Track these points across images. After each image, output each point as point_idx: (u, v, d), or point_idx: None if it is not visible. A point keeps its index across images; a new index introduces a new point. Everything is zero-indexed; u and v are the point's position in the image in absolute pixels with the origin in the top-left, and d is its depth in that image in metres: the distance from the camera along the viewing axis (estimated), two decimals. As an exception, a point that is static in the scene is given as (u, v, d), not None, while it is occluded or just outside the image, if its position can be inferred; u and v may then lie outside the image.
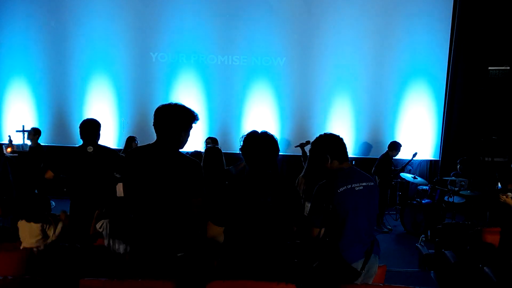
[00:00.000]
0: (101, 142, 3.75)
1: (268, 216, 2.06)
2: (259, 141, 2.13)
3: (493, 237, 3.60)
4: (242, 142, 2.17)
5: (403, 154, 6.90)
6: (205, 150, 4.06)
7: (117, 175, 3.54)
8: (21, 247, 3.23)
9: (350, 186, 2.24)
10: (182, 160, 2.20)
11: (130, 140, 6.16)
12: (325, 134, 2.40)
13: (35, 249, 3.24)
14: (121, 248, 3.23)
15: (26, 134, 6.63)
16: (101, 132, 3.66)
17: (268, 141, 2.13)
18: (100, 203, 3.42)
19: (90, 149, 3.51)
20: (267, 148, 2.12)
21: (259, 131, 2.17)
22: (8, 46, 7.23)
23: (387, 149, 6.29)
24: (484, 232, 3.68)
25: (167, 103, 2.25)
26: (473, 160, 6.66)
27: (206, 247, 3.26)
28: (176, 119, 2.21)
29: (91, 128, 3.56)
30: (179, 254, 2.20)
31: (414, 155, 6.45)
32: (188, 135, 2.29)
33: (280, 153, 2.22)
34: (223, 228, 2.10)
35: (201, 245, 3.18)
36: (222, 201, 2.09)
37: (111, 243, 3.19)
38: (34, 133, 6.02)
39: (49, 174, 3.61)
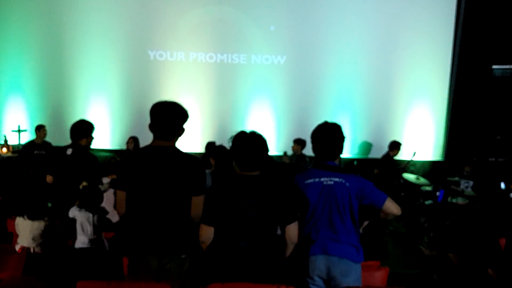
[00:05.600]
0: (98, 141, 3.70)
1: (251, 218, 2.05)
2: (246, 140, 2.10)
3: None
4: (230, 143, 2.14)
5: (405, 155, 6.86)
6: (214, 148, 4.01)
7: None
8: (19, 246, 3.23)
9: (318, 179, 2.24)
10: (183, 158, 2.19)
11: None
12: (323, 124, 2.35)
13: (32, 250, 3.23)
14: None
15: (22, 133, 6.59)
16: (90, 133, 3.55)
17: (255, 140, 2.10)
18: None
19: (69, 151, 3.45)
20: (254, 147, 2.09)
21: (248, 131, 2.14)
22: (5, 45, 7.19)
23: (387, 150, 6.25)
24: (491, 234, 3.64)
25: (162, 101, 2.23)
26: (477, 161, 6.60)
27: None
28: (177, 116, 2.20)
29: (74, 129, 3.50)
30: (183, 256, 2.18)
31: (414, 154, 6.41)
32: (184, 131, 2.29)
33: (279, 153, 2.20)
34: (212, 228, 2.11)
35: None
36: (210, 201, 2.10)
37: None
38: (44, 131, 5.98)
39: (49, 178, 3.57)
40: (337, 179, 2.23)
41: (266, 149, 2.13)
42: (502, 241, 3.57)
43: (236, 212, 2.05)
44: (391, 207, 2.26)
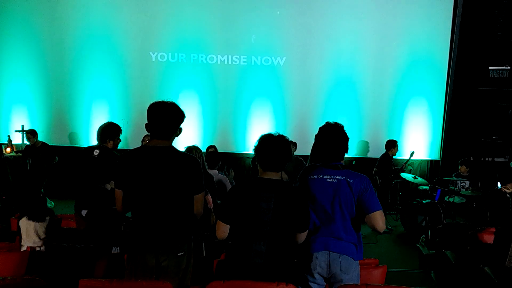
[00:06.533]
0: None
1: (268, 222, 2.07)
2: (266, 139, 2.14)
3: (492, 237, 3.60)
4: (257, 142, 2.18)
5: (403, 154, 6.90)
6: (186, 149, 3.98)
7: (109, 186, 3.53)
8: (25, 247, 3.27)
9: (321, 176, 2.28)
10: (180, 157, 2.22)
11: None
12: (326, 125, 2.37)
13: (38, 248, 3.27)
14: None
15: (25, 134, 6.64)
16: (117, 135, 3.56)
17: (281, 143, 2.14)
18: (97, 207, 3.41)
19: (96, 152, 3.47)
20: (274, 146, 2.13)
21: (275, 134, 2.18)
22: (7, 46, 7.21)
23: (385, 149, 6.30)
24: (484, 232, 3.67)
25: (159, 101, 2.26)
26: (472, 161, 6.65)
27: (207, 244, 3.27)
28: (174, 116, 2.23)
29: (101, 131, 3.52)
30: (180, 254, 2.21)
31: (412, 154, 6.46)
32: (181, 131, 2.32)
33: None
34: (228, 226, 2.15)
35: (201, 242, 3.18)
36: (229, 201, 2.14)
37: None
38: (32, 136, 6.05)
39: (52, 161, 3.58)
40: (340, 177, 2.26)
41: (289, 151, 2.17)
42: (482, 237, 3.60)
43: (254, 215, 2.07)
44: (380, 220, 2.23)
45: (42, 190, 6.01)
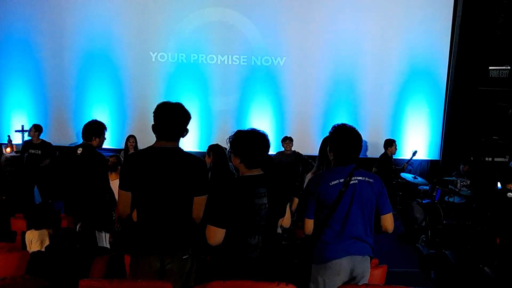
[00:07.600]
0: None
1: (264, 216, 2.07)
2: (250, 137, 2.10)
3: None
4: (231, 142, 2.12)
5: (403, 154, 6.91)
6: (209, 147, 4.03)
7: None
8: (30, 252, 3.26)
9: (343, 180, 2.21)
10: (188, 159, 2.21)
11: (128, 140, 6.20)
12: (338, 126, 2.32)
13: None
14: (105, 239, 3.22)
15: (25, 133, 6.62)
16: (102, 133, 3.59)
17: (258, 136, 2.11)
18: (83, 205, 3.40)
19: (79, 150, 3.48)
20: (260, 143, 2.10)
21: (247, 129, 2.15)
22: (8, 46, 7.22)
23: (384, 149, 6.32)
24: (488, 232, 3.68)
25: (166, 102, 2.24)
26: (474, 160, 6.66)
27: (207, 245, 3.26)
28: (181, 117, 2.22)
29: (86, 129, 3.54)
30: (184, 257, 2.19)
31: (414, 153, 6.45)
32: (187, 132, 2.31)
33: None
34: (224, 230, 2.05)
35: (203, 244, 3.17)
36: (223, 203, 2.06)
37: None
38: (35, 130, 5.99)
39: (46, 162, 3.60)
40: (361, 178, 2.23)
41: (268, 142, 2.13)
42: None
43: (250, 213, 2.05)
44: (391, 221, 2.31)
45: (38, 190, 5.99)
